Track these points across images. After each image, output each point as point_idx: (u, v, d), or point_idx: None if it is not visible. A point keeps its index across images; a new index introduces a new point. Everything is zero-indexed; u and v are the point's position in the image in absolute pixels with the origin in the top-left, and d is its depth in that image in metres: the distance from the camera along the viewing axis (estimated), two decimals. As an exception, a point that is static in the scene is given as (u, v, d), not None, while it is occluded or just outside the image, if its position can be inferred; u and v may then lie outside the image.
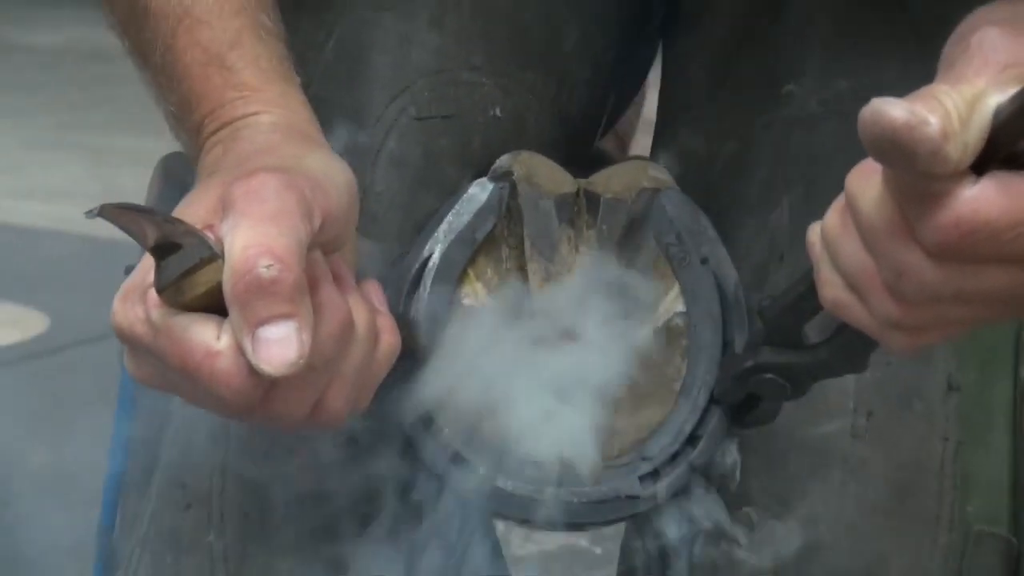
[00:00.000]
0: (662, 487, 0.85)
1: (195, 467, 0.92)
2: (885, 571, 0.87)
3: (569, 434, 0.85)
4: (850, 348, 0.78)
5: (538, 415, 0.85)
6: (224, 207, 0.71)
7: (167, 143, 0.92)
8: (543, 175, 0.88)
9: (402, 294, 0.86)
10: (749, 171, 0.93)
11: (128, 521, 0.96)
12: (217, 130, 0.80)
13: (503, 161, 0.89)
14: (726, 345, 0.86)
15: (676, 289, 0.87)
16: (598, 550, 2.14)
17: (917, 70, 0.89)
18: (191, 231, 0.70)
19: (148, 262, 0.72)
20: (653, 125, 1.02)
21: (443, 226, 0.87)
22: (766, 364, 0.80)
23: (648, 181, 0.88)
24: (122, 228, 0.69)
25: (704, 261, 0.86)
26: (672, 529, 0.87)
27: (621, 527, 0.94)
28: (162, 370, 0.73)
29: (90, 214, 0.67)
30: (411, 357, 0.83)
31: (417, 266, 0.87)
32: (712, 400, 0.85)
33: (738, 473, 0.87)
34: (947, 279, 0.62)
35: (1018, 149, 0.61)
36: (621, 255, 0.87)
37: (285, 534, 0.90)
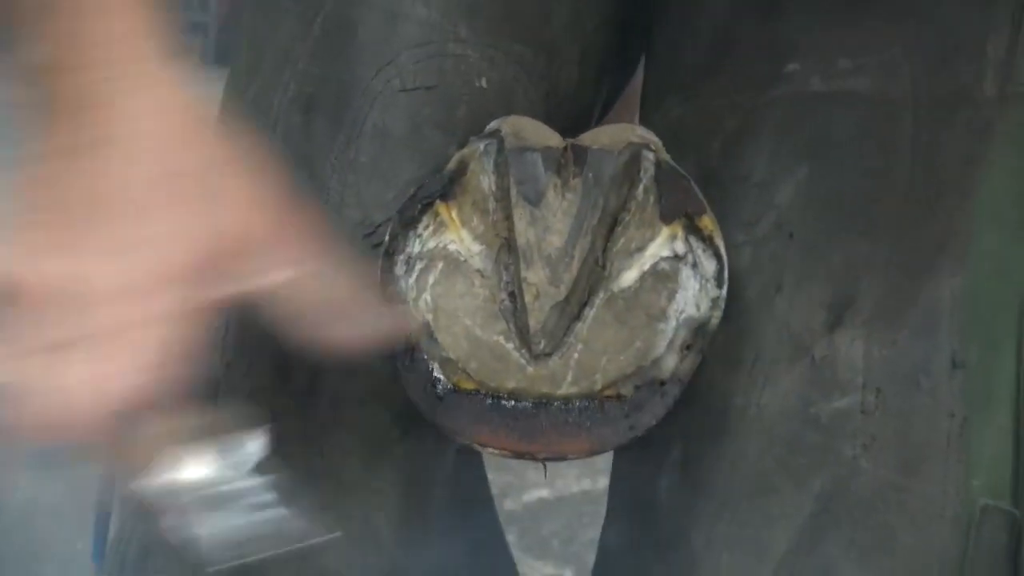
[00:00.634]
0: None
1: None
2: (893, 545, 0.88)
3: (554, 369, 0.86)
4: None
5: (524, 353, 0.87)
6: None
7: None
8: (530, 131, 0.90)
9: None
10: (751, 149, 0.93)
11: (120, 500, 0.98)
12: None
13: (492, 124, 0.90)
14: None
15: (663, 235, 0.87)
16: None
17: (919, 47, 0.90)
18: None
19: None
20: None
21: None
22: None
23: (636, 138, 0.89)
24: None
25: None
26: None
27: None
28: None
29: None
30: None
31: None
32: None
33: None
34: None
35: None
36: (609, 203, 0.88)
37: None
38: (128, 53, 0.76)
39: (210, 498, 0.77)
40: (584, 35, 1.00)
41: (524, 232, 0.87)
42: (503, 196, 0.88)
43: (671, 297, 0.87)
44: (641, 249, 0.88)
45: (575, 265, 0.87)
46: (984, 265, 0.90)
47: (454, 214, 0.88)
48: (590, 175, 0.88)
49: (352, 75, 0.95)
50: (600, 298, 0.88)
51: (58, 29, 0.73)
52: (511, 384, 0.86)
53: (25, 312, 0.72)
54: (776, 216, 0.91)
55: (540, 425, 0.86)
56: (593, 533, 1.03)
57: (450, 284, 0.88)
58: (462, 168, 0.90)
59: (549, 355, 0.87)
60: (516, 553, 1.11)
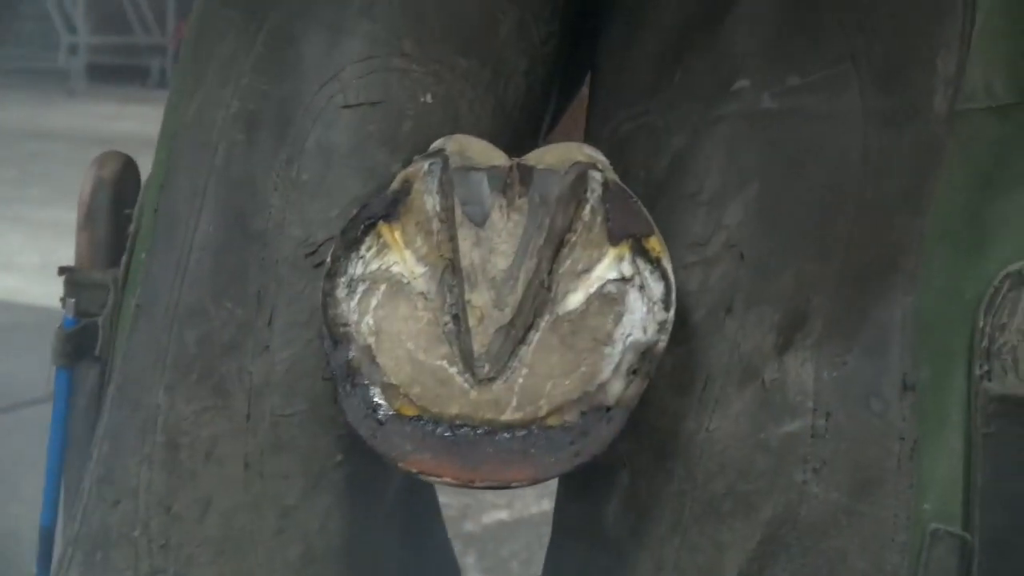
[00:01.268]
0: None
1: (123, 462, 0.93)
2: (844, 570, 0.87)
3: (498, 393, 0.85)
4: None
5: (467, 378, 0.86)
6: None
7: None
8: (476, 151, 0.89)
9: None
10: (700, 167, 0.92)
11: (64, 523, 0.97)
12: None
13: (437, 143, 0.89)
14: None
15: (610, 257, 0.87)
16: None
17: (869, 63, 0.90)
18: None
19: None
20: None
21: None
22: None
23: (583, 157, 0.88)
24: None
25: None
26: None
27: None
28: None
29: None
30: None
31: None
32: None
33: None
34: None
35: None
36: (555, 224, 0.87)
37: (209, 526, 0.91)
38: None
39: None
40: (531, 47, 0.99)
41: (469, 253, 0.86)
42: (447, 217, 0.88)
43: (617, 320, 0.86)
44: (587, 271, 0.87)
45: (520, 287, 0.86)
46: (935, 284, 0.89)
47: (397, 235, 0.88)
48: (536, 195, 0.87)
49: (294, 91, 0.94)
50: (545, 321, 0.87)
51: None
52: (454, 410, 0.85)
53: None
54: (726, 236, 0.91)
55: (483, 453, 0.85)
56: (553, 555, 1.02)
57: (393, 307, 0.87)
58: (406, 188, 0.89)
59: (493, 380, 0.86)
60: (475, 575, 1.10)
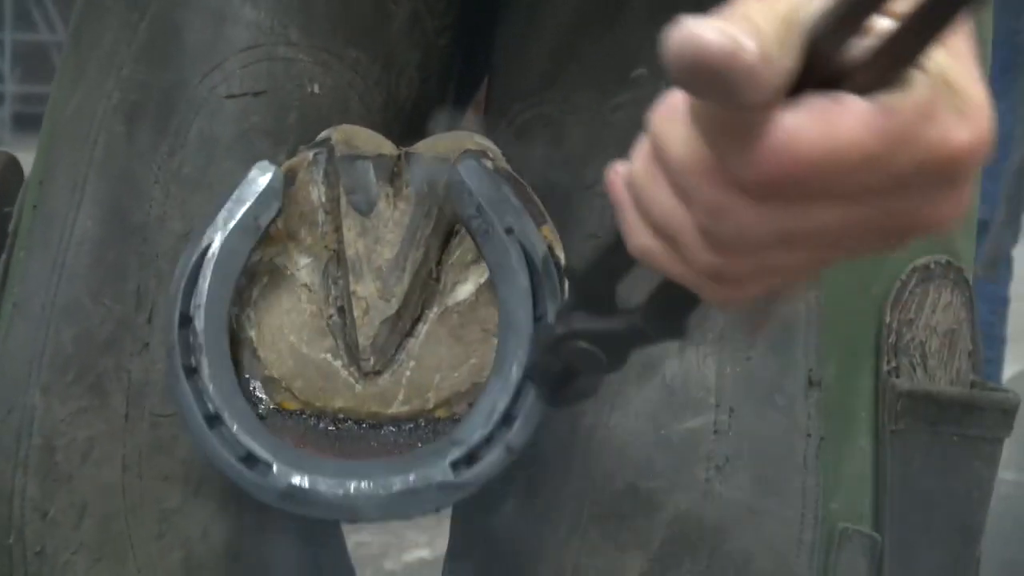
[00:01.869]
0: (476, 472, 0.80)
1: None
2: (750, 571, 0.85)
3: (385, 387, 0.83)
4: (666, 311, 0.71)
5: (353, 371, 0.83)
6: None
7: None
8: (362, 139, 0.87)
9: (179, 288, 0.83)
10: (598, 155, 0.90)
11: None
12: None
13: (324, 133, 0.87)
14: (539, 320, 0.81)
15: None
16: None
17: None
18: None
19: None
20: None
21: (223, 213, 0.83)
22: (578, 331, 0.74)
23: (473, 145, 0.86)
24: None
25: (509, 231, 0.82)
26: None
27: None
28: None
29: None
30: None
31: (196, 256, 0.83)
32: (527, 376, 0.80)
33: None
34: (770, 220, 0.56)
35: (834, 69, 0.55)
36: (443, 213, 0.85)
37: (86, 531, 0.89)
38: None
39: None
40: (424, 40, 0.97)
41: (354, 243, 0.84)
42: (333, 207, 0.85)
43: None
44: (477, 261, 0.85)
45: (407, 278, 0.84)
46: (841, 279, 0.88)
47: (280, 225, 0.84)
48: (424, 184, 0.85)
49: (177, 81, 0.92)
50: (434, 312, 0.85)
51: None
52: (339, 404, 0.83)
53: None
54: None
55: (367, 447, 0.82)
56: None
57: (274, 299, 0.85)
58: (290, 178, 0.86)
59: (379, 373, 0.84)
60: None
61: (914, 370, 0.89)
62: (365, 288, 0.84)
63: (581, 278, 0.73)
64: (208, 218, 0.85)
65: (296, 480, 0.79)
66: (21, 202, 0.98)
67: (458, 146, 0.86)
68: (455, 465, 0.80)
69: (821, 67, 0.55)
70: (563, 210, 0.88)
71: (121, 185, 0.91)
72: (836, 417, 0.87)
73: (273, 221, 0.84)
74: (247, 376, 0.84)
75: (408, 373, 0.83)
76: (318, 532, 1.02)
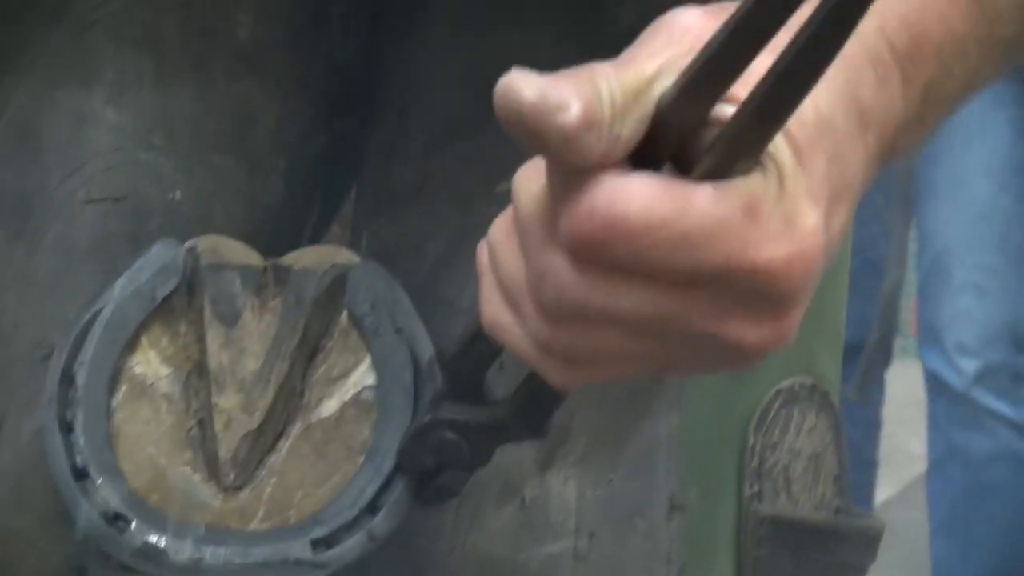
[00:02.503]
0: (336, 554, 0.80)
1: None
2: None
3: (245, 503, 0.82)
4: (529, 405, 0.72)
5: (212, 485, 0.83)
6: None
7: None
8: (229, 249, 0.86)
9: (64, 350, 0.83)
10: (458, 271, 0.91)
11: None
12: None
13: (188, 243, 0.86)
14: (415, 420, 0.82)
15: (366, 363, 0.84)
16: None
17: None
18: None
19: None
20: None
21: (121, 280, 0.83)
22: (443, 420, 0.75)
23: (340, 259, 0.87)
24: None
25: (399, 331, 0.83)
26: None
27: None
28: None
29: None
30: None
31: (87, 318, 0.83)
32: (397, 468, 0.81)
33: None
34: (585, 287, 0.57)
35: (689, 149, 0.56)
36: (310, 326, 0.84)
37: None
38: None
39: None
40: (291, 146, 0.97)
41: (217, 354, 0.84)
42: (195, 317, 0.85)
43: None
44: (343, 377, 0.85)
45: (271, 391, 0.84)
46: (703, 401, 0.89)
47: (141, 335, 0.84)
48: (291, 296, 0.85)
49: (35, 183, 0.91)
50: (297, 428, 0.84)
51: None
52: (198, 519, 0.82)
53: None
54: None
55: None
56: None
57: (134, 408, 0.84)
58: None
59: (240, 488, 0.83)
60: None
61: (777, 495, 0.90)
62: (227, 400, 0.83)
63: (450, 364, 0.74)
64: (66, 325, 0.84)
65: (153, 539, 0.80)
66: None
67: (327, 260, 0.86)
68: (315, 544, 0.80)
69: (670, 142, 0.56)
70: (428, 327, 0.89)
71: None
72: (698, 542, 0.88)
73: (168, 297, 0.84)
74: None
75: (269, 489, 0.83)
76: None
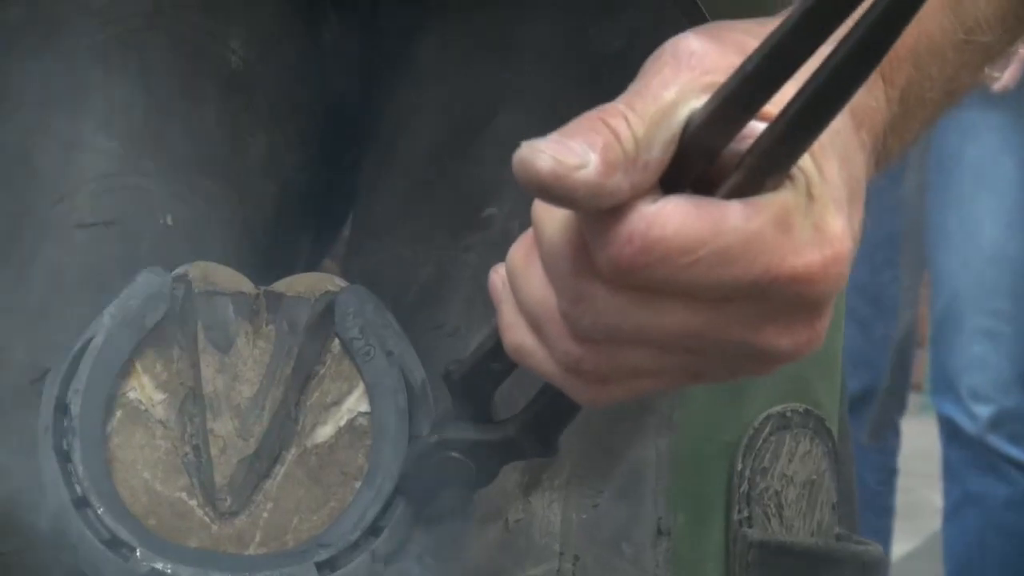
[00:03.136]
0: None
1: None
2: None
3: (241, 528, 0.84)
4: (539, 423, 0.73)
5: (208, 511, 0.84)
6: None
7: None
8: (220, 276, 0.88)
9: (57, 379, 0.84)
10: (447, 297, 0.92)
11: None
12: None
13: (179, 270, 0.88)
14: (412, 440, 0.83)
15: (360, 389, 0.86)
16: None
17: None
18: None
19: None
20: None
21: (110, 309, 0.85)
22: (450, 440, 0.76)
23: (332, 287, 0.88)
24: None
25: (390, 354, 0.85)
26: None
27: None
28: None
29: None
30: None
31: (78, 347, 0.85)
32: (398, 489, 0.82)
33: None
34: (622, 310, 0.58)
35: (714, 170, 0.58)
36: (303, 353, 0.86)
37: None
38: None
39: None
40: (282, 173, 0.98)
41: (212, 380, 0.85)
42: (189, 343, 0.86)
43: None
44: (338, 403, 0.86)
45: (267, 417, 0.85)
46: (692, 425, 0.89)
47: (135, 360, 0.86)
48: (284, 323, 0.86)
49: (24, 208, 0.92)
50: (292, 454, 0.86)
51: None
52: (194, 544, 0.83)
53: None
54: None
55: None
56: None
57: (128, 434, 0.85)
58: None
59: (236, 513, 0.84)
60: None
61: (768, 520, 0.89)
62: (223, 426, 0.85)
63: (459, 384, 0.75)
64: (57, 349, 0.85)
65: (159, 566, 0.80)
66: None
67: (320, 287, 0.88)
68: (320, 566, 0.81)
69: (695, 164, 0.58)
70: (416, 350, 0.90)
71: None
72: (685, 568, 0.87)
73: (159, 323, 0.85)
74: (100, 510, 0.84)
75: (265, 515, 0.84)
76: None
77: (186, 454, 0.85)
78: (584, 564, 0.86)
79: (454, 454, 0.77)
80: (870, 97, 0.66)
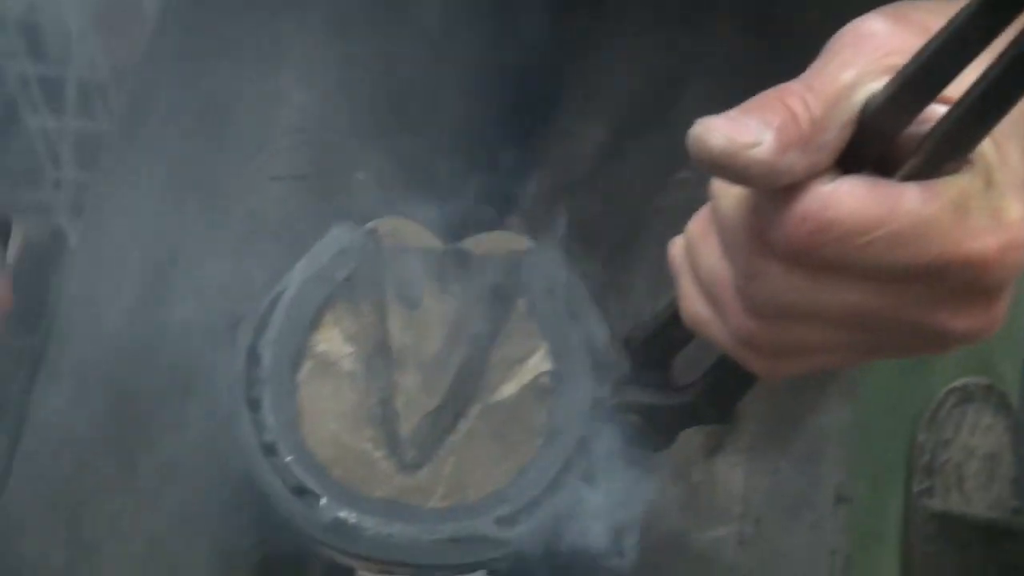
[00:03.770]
0: (519, 532, 0.83)
1: (21, 536, 0.93)
2: None
3: (425, 481, 0.86)
4: (718, 391, 0.74)
5: (393, 462, 0.86)
6: None
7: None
8: (409, 232, 0.90)
9: (249, 330, 0.87)
10: (634, 258, 0.93)
11: None
12: None
13: (370, 224, 0.90)
14: (594, 400, 0.85)
15: (544, 348, 0.87)
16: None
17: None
18: None
19: None
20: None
21: (301, 262, 0.87)
22: (630, 404, 0.77)
23: (519, 246, 0.89)
24: None
25: (575, 316, 0.87)
26: None
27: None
28: None
29: None
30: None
31: (270, 299, 0.87)
32: (579, 449, 0.84)
33: None
34: (796, 287, 0.59)
35: (892, 151, 0.57)
36: (489, 311, 0.88)
37: None
38: None
39: None
40: (474, 128, 0.99)
41: (399, 335, 0.87)
42: (378, 298, 0.88)
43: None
44: (522, 361, 0.88)
45: (451, 373, 0.87)
46: (875, 396, 0.90)
47: (327, 313, 0.88)
48: (471, 281, 0.88)
49: (223, 159, 0.94)
50: (476, 409, 0.87)
51: None
52: (378, 493, 0.85)
53: None
54: None
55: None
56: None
57: (318, 385, 0.87)
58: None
59: (420, 466, 0.86)
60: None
61: (948, 491, 0.90)
62: (409, 380, 0.86)
63: (638, 351, 0.76)
64: (250, 296, 0.88)
65: (343, 514, 0.83)
66: (63, 273, 1.01)
67: (505, 245, 0.90)
68: (500, 522, 0.83)
69: (874, 145, 0.58)
70: (603, 312, 0.91)
71: (163, 260, 0.94)
72: (864, 535, 0.89)
73: (348, 278, 0.87)
74: (289, 459, 0.87)
75: (448, 468, 0.86)
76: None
77: (372, 406, 0.87)
78: (765, 527, 0.88)
79: (634, 416, 0.78)
80: None
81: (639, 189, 0.95)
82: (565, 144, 1.00)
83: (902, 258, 0.57)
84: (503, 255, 0.89)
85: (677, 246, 0.67)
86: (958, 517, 0.89)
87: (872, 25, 0.60)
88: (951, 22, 0.55)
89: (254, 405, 0.86)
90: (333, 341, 0.88)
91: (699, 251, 0.64)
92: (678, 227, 0.91)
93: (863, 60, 0.58)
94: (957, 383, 0.91)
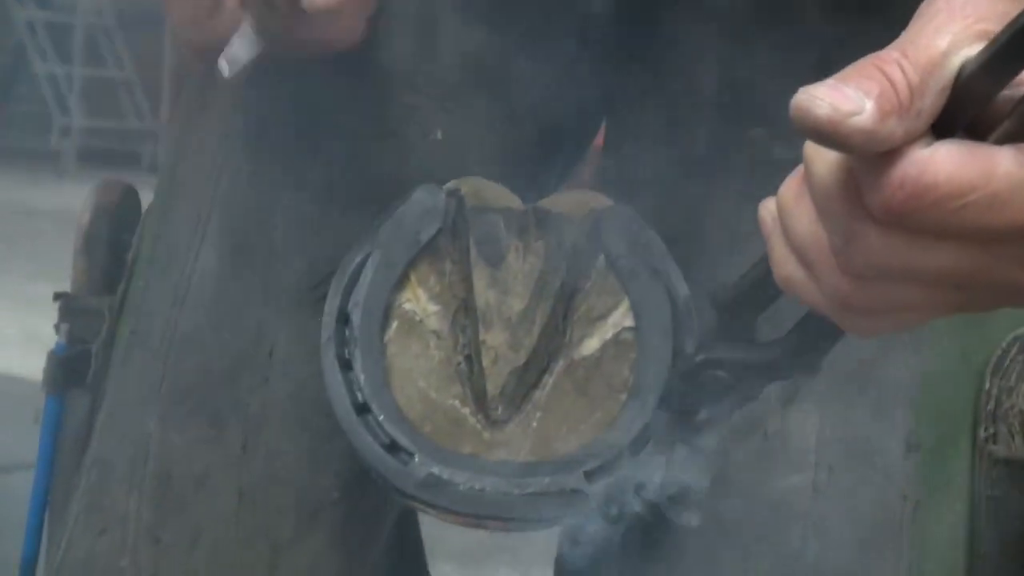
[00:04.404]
0: (607, 484, 0.85)
1: (111, 491, 0.95)
2: None
3: (512, 436, 0.88)
4: (804, 348, 0.76)
5: (480, 419, 0.88)
6: None
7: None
8: (490, 192, 0.92)
9: (340, 288, 0.89)
10: (711, 214, 0.95)
11: (48, 552, 0.99)
12: None
13: (450, 184, 0.92)
14: (676, 356, 0.87)
15: (625, 304, 0.89)
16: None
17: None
18: None
19: None
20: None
21: (386, 225, 0.90)
22: (716, 360, 0.79)
23: (598, 204, 0.92)
24: None
25: (655, 272, 0.89)
26: None
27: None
28: None
29: None
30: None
31: (358, 260, 0.89)
32: (663, 405, 0.86)
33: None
34: (894, 250, 0.60)
35: (986, 115, 0.59)
36: (571, 268, 0.90)
37: (198, 558, 0.93)
38: None
39: None
40: (547, 91, 1.01)
41: (483, 294, 0.90)
42: (461, 257, 0.90)
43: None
44: (603, 318, 0.90)
45: (536, 330, 0.89)
46: (943, 347, 0.92)
47: (411, 272, 0.91)
48: (553, 239, 0.90)
49: (303, 119, 0.96)
50: (560, 366, 0.89)
51: None
52: (467, 449, 0.88)
53: None
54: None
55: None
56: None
57: (405, 343, 0.90)
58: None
59: (506, 422, 0.89)
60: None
61: (1012, 438, 0.91)
62: (494, 338, 0.89)
63: (726, 308, 0.78)
64: (330, 259, 0.91)
65: (436, 471, 0.86)
66: (140, 232, 1.02)
67: (583, 203, 0.92)
68: (588, 475, 0.86)
69: (968, 111, 0.60)
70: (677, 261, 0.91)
71: (244, 221, 0.96)
72: (933, 482, 0.90)
73: (434, 238, 0.90)
74: (380, 416, 0.90)
75: (535, 424, 0.88)
76: (410, 567, 1.07)
77: (459, 364, 0.90)
78: (838, 475, 0.90)
79: (719, 373, 0.80)
80: None
81: (712, 146, 0.97)
82: (637, 102, 1.01)
83: (998, 220, 0.59)
84: (583, 213, 0.91)
85: (767, 209, 0.69)
86: (1022, 463, 0.91)
87: None
88: None
89: (345, 365, 0.88)
90: (419, 300, 0.90)
91: (792, 215, 0.66)
92: (748, 186, 0.93)
93: (956, 26, 0.60)
94: (1021, 331, 0.92)
